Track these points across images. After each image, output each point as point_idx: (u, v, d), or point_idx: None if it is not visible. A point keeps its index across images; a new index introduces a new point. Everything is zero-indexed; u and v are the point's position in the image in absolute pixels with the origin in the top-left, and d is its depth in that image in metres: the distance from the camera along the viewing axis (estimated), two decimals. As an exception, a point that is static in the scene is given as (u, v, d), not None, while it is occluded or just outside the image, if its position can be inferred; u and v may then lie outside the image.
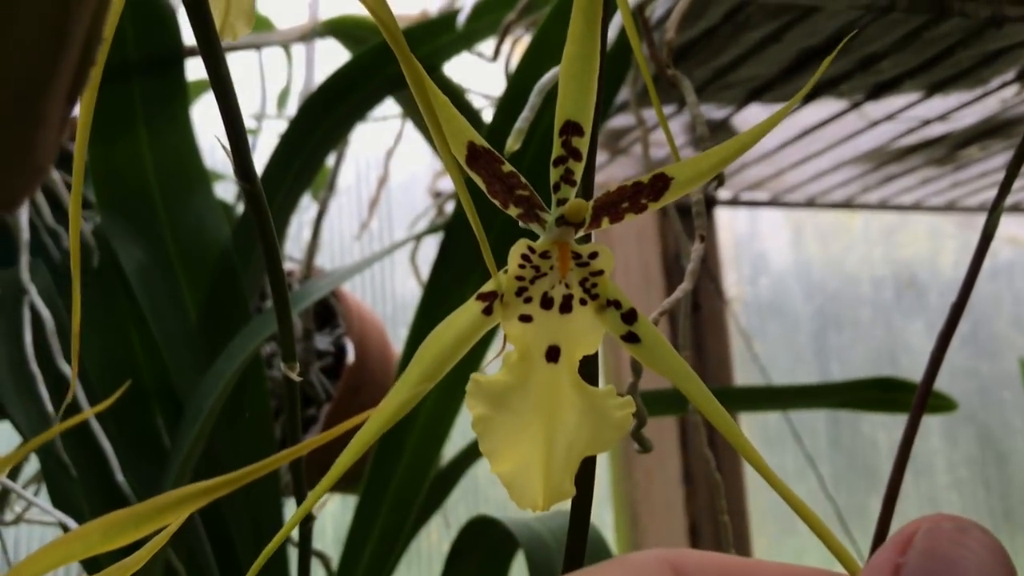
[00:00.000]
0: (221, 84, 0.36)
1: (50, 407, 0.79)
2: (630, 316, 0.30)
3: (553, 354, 0.29)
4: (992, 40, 0.87)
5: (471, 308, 0.30)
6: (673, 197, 0.29)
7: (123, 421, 0.87)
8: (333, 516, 1.26)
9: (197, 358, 0.91)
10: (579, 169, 0.30)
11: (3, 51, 0.16)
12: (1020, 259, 1.72)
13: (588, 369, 0.35)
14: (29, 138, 0.18)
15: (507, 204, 0.30)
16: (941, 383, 1.90)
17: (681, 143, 1.10)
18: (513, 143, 0.54)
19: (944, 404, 1.02)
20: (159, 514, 0.32)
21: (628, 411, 0.29)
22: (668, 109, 0.98)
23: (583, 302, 0.30)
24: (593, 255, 0.30)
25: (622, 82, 0.73)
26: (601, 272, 0.29)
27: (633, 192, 0.29)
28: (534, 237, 0.30)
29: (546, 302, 0.30)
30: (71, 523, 0.72)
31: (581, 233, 0.30)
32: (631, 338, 0.30)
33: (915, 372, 1.62)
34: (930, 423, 1.64)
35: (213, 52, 0.33)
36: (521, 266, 0.30)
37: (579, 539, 0.37)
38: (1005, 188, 0.60)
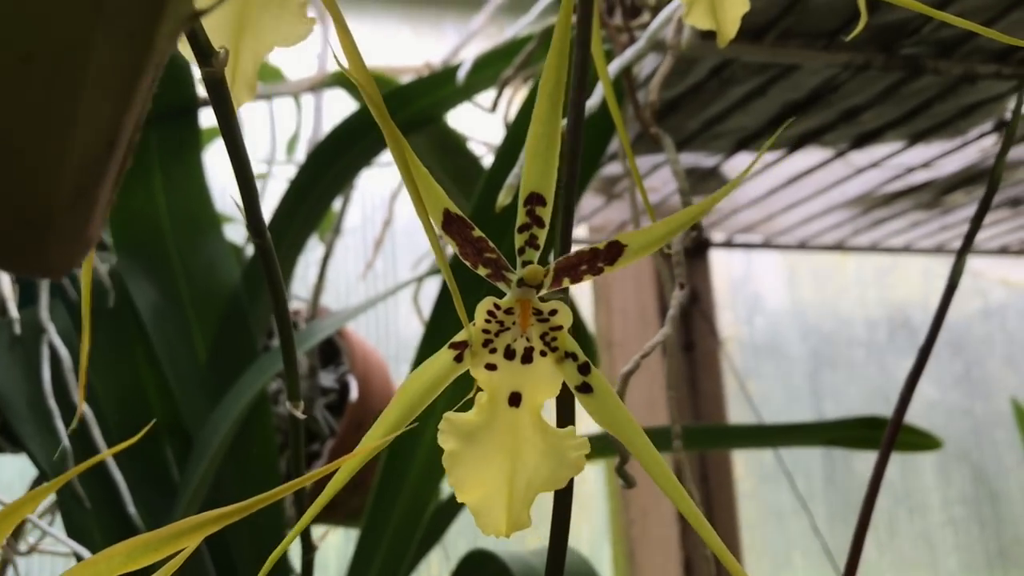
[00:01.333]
0: (237, 153, 0.40)
1: (66, 441, 0.82)
2: (585, 368, 0.33)
3: (515, 399, 0.33)
4: (967, 94, 0.91)
5: (444, 356, 0.34)
6: (628, 262, 0.33)
7: (134, 455, 0.90)
8: (336, 548, 1.29)
9: (206, 394, 0.94)
10: (542, 235, 0.33)
11: (67, 156, 0.20)
12: (1012, 300, 1.76)
13: (566, 403, 0.38)
14: (85, 219, 0.22)
15: (476, 265, 0.34)
16: (935, 422, 1.93)
17: (671, 190, 1.14)
18: (504, 197, 0.58)
19: (929, 443, 1.05)
20: (177, 538, 0.35)
21: (583, 452, 0.32)
22: (658, 158, 1.02)
23: (543, 353, 0.33)
24: (553, 312, 0.33)
25: (610, 136, 0.77)
26: (560, 327, 0.33)
27: (591, 257, 0.33)
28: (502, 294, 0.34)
29: (509, 353, 0.33)
30: (85, 552, 0.75)
31: (544, 292, 0.34)
32: (584, 388, 0.33)
33: (908, 412, 1.65)
34: (924, 462, 1.67)
35: (230, 129, 0.37)
36: (487, 320, 0.33)
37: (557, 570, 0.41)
38: (968, 240, 0.65)
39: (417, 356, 0.90)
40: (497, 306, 0.34)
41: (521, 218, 0.33)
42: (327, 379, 1.09)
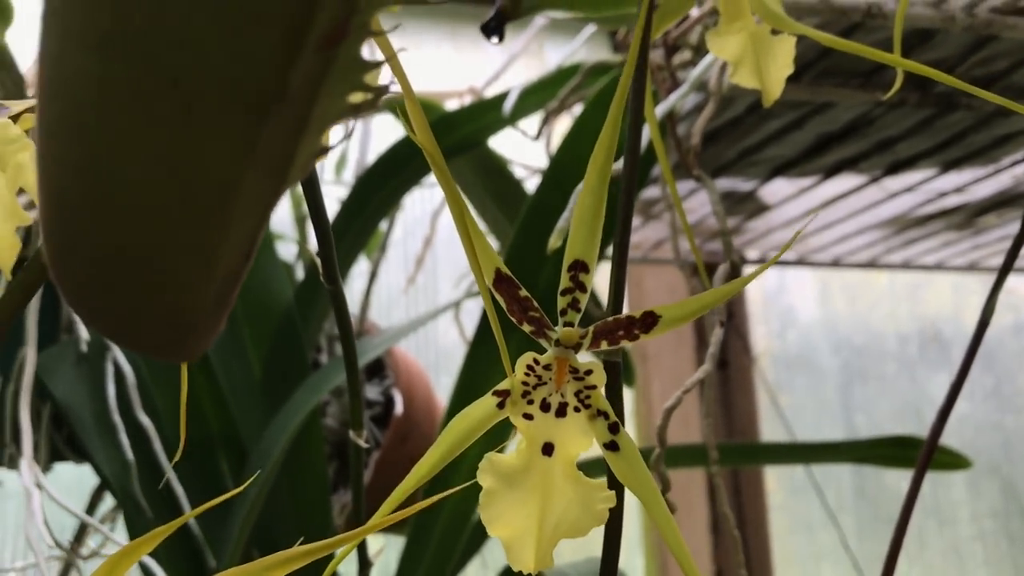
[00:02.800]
0: (318, 214, 0.44)
1: (130, 454, 0.87)
2: (615, 428, 0.36)
3: (548, 449, 0.36)
4: (1001, 126, 0.94)
5: (487, 402, 0.37)
6: (662, 332, 0.36)
7: (192, 466, 0.95)
8: (379, 557, 1.33)
9: (260, 408, 0.99)
10: (584, 298, 0.36)
11: (215, 274, 0.24)
12: (1044, 316, 1.77)
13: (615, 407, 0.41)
14: (220, 317, 0.25)
15: (521, 322, 0.37)
16: (965, 436, 1.94)
17: (707, 211, 1.17)
18: (555, 241, 0.61)
19: (959, 462, 1.07)
20: (267, 570, 0.39)
21: (608, 504, 0.35)
22: (692, 183, 1.05)
23: (576, 409, 0.36)
24: (588, 372, 0.36)
25: (652, 167, 0.81)
26: (594, 387, 0.36)
27: (627, 324, 0.36)
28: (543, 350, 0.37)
29: (545, 406, 0.36)
30: (148, 560, 0.80)
31: (584, 350, 0.37)
32: (612, 446, 0.36)
33: (939, 425, 1.66)
34: (954, 475, 1.68)
35: (315, 198, 0.41)
36: (527, 374, 0.36)
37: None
38: (1002, 276, 0.67)
39: (460, 376, 0.93)
40: (537, 361, 0.36)
41: (564, 282, 0.36)
42: (372, 392, 1.13)
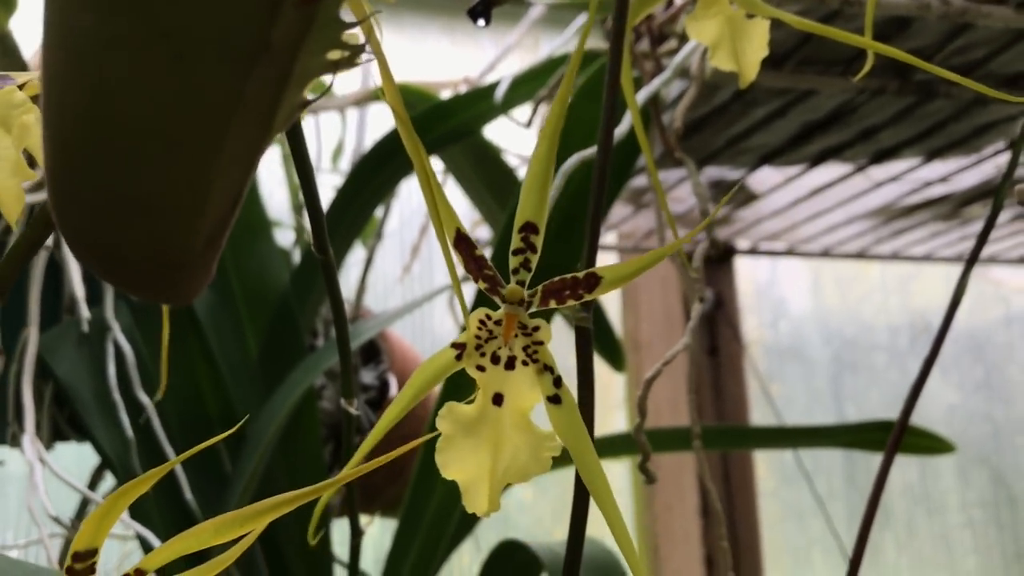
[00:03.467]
0: (308, 182, 0.46)
1: (130, 432, 0.89)
2: (558, 382, 0.38)
3: (498, 400, 0.38)
4: (981, 115, 0.96)
5: (447, 353, 0.39)
6: (604, 291, 0.38)
7: (190, 445, 0.97)
8: (373, 538, 1.36)
9: (257, 389, 1.01)
10: (534, 258, 0.38)
11: (205, 215, 0.26)
12: (1034, 308, 1.79)
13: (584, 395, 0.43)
14: (211, 259, 0.28)
15: (477, 278, 0.39)
16: (955, 427, 1.96)
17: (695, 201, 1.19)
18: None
19: (942, 446, 1.10)
20: (255, 517, 0.41)
21: (552, 453, 0.37)
22: (684, 172, 1.07)
23: (525, 363, 0.38)
24: (536, 328, 0.38)
25: (637, 155, 0.83)
26: (541, 342, 0.38)
27: (572, 284, 0.38)
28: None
29: (495, 359, 0.38)
30: (147, 533, 0.82)
31: (533, 309, 0.39)
32: (555, 399, 0.38)
33: (928, 415, 1.69)
34: (944, 465, 1.71)
35: (304, 171, 0.43)
36: (479, 328, 0.38)
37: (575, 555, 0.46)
38: (970, 263, 0.70)
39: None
40: (488, 316, 0.38)
41: (516, 243, 0.38)
42: (368, 376, 1.15)
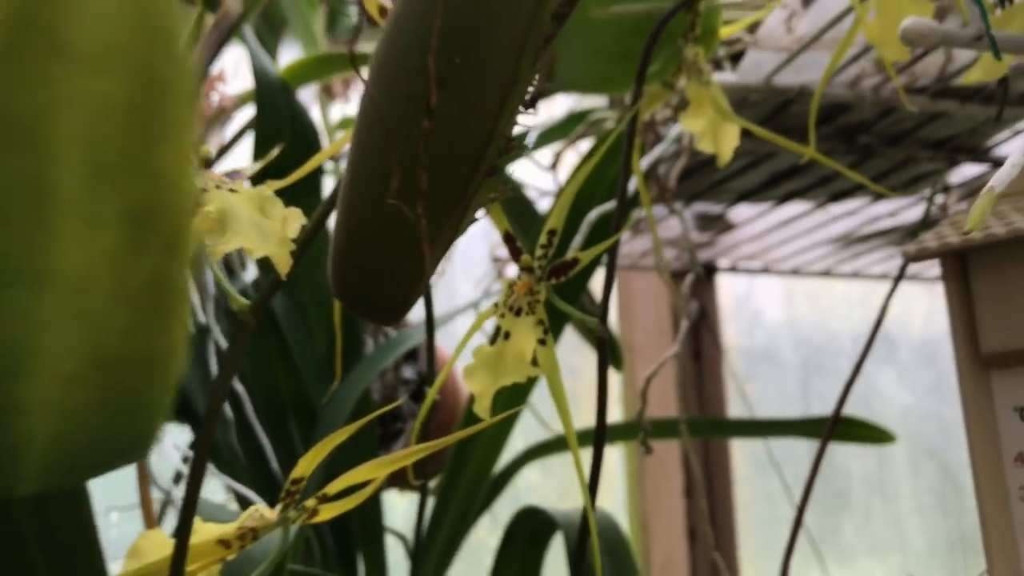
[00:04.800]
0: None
1: (230, 413, 1.11)
2: (546, 331, 0.56)
3: (507, 336, 0.56)
4: (914, 170, 1.19)
5: (493, 309, 0.59)
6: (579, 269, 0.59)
7: (269, 428, 1.19)
8: (404, 511, 1.58)
9: (324, 383, 1.23)
10: (551, 251, 0.59)
11: (426, 272, 0.48)
12: (981, 321, 2.02)
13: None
14: (419, 293, 0.50)
15: (515, 258, 0.59)
16: (909, 423, 2.19)
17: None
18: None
19: (883, 436, 1.32)
20: (384, 466, 0.63)
21: (531, 373, 0.58)
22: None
23: (527, 314, 0.57)
24: (538, 291, 0.59)
25: (638, 203, 1.05)
26: (539, 301, 0.59)
27: (563, 267, 0.59)
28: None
29: (510, 308, 0.58)
30: (240, 488, 1.04)
31: (542, 287, 0.60)
32: (542, 342, 0.55)
33: (885, 414, 1.92)
34: (898, 457, 1.94)
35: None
36: (508, 291, 0.59)
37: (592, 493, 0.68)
38: (895, 283, 0.92)
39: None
40: (513, 283, 0.57)
41: (543, 240, 0.57)
42: (408, 372, 1.37)
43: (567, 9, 0.44)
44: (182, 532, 0.48)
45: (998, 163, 1.18)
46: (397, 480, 1.45)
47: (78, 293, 0.22)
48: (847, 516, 1.87)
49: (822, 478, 1.90)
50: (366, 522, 1.22)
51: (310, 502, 0.57)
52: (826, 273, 1.72)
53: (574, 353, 1.62)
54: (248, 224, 0.54)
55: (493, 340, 0.59)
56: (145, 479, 1.00)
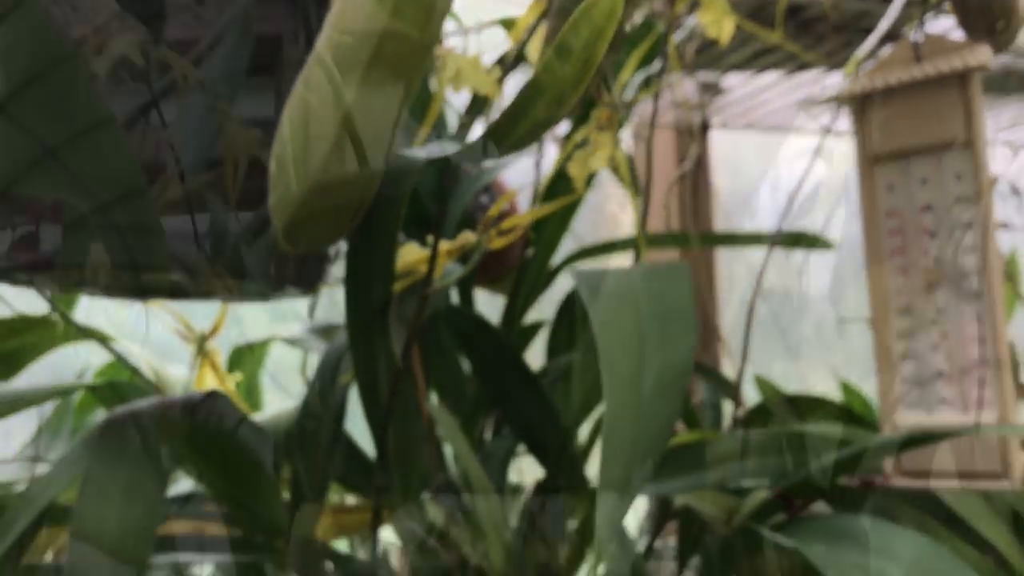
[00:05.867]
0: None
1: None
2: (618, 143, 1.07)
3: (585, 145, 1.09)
4: (852, 49, 1.67)
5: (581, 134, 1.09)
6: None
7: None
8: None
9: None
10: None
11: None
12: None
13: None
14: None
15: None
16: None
17: (691, 94, 1.89)
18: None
19: (822, 243, 1.82)
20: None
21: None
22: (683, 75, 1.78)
23: (607, 130, 1.08)
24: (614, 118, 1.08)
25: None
26: (615, 123, 1.07)
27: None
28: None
29: (600, 127, 1.09)
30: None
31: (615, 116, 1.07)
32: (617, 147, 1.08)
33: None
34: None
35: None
36: (596, 120, 1.08)
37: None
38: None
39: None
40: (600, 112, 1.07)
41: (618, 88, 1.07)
42: (484, 199, 1.86)
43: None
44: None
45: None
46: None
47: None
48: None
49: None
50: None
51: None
52: (797, 129, 2.21)
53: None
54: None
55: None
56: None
